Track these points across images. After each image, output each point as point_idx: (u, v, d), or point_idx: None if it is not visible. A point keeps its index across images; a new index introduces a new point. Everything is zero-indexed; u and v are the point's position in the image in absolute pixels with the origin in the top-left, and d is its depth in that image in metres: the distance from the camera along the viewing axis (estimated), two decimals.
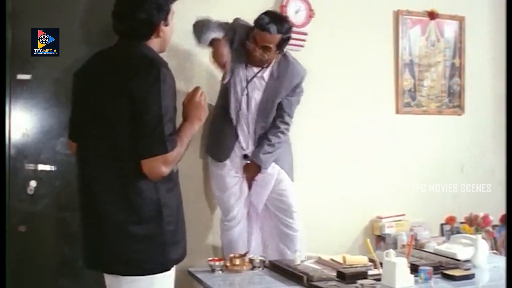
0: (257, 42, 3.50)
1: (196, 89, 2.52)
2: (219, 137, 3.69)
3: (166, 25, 2.43)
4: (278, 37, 3.49)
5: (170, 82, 2.31)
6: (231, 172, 3.67)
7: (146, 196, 2.29)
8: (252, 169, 3.66)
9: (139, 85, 2.24)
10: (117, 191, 2.30)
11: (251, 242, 3.75)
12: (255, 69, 3.62)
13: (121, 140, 2.28)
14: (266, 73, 3.63)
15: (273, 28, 3.47)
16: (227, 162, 3.66)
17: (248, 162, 3.64)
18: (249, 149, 3.65)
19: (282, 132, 3.67)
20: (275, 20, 3.51)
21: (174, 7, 2.47)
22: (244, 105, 3.61)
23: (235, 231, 3.70)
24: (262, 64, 3.60)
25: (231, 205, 3.68)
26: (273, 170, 3.68)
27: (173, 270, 2.41)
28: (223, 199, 3.71)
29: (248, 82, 3.60)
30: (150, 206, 2.30)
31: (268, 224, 3.80)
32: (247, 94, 3.61)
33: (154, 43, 2.43)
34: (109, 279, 2.43)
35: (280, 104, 3.66)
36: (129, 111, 2.25)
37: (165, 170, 2.26)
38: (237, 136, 3.63)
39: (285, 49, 3.66)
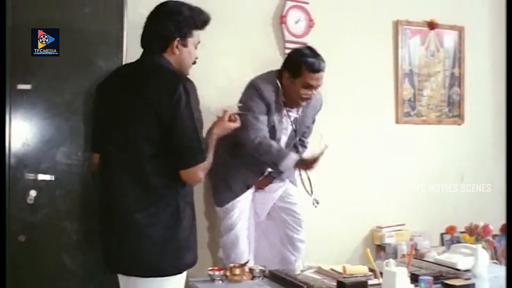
0: (312, 85, 3.43)
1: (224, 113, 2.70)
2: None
3: (184, 45, 2.53)
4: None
5: (195, 92, 2.43)
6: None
7: (167, 202, 2.42)
8: (266, 180, 3.69)
9: (168, 101, 2.34)
10: (140, 199, 2.41)
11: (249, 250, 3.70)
12: (292, 109, 3.61)
13: (146, 153, 2.39)
14: (298, 110, 3.64)
15: (323, 65, 3.44)
16: None
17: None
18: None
19: (300, 153, 3.69)
20: (317, 55, 3.46)
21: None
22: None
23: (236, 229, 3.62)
24: (304, 102, 3.56)
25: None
26: (283, 182, 3.71)
27: (184, 274, 2.52)
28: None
29: (293, 122, 3.60)
30: (170, 212, 2.42)
31: (273, 234, 3.79)
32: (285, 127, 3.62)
33: (169, 59, 2.52)
34: (123, 280, 2.54)
35: (304, 130, 3.74)
36: (157, 126, 2.36)
37: (203, 176, 2.47)
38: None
39: None
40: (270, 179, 3.69)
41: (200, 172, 2.43)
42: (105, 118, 2.56)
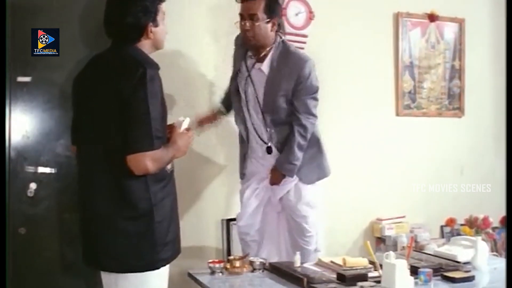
0: (244, 16, 3.36)
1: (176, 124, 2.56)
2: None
3: (156, 25, 2.48)
4: (261, 1, 3.34)
5: (157, 82, 2.36)
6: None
7: (137, 193, 2.35)
8: (277, 174, 3.53)
9: (126, 86, 2.29)
10: (109, 190, 2.36)
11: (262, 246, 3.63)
12: (254, 60, 3.48)
13: (112, 141, 2.33)
14: (266, 64, 3.44)
15: None
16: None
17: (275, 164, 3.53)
18: (272, 142, 3.55)
19: (303, 136, 3.49)
20: None
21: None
22: (250, 97, 3.50)
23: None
24: (260, 49, 3.43)
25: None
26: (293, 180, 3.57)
27: (166, 268, 2.46)
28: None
29: (249, 72, 3.47)
30: (140, 204, 2.36)
31: (284, 235, 3.68)
32: (250, 88, 3.48)
33: (144, 45, 2.48)
34: (105, 276, 2.49)
35: (294, 105, 3.48)
36: (119, 113, 2.31)
37: (151, 166, 2.31)
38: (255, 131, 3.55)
39: (284, 38, 3.57)
40: (281, 174, 3.53)
41: (147, 161, 2.29)
42: (80, 110, 2.52)
